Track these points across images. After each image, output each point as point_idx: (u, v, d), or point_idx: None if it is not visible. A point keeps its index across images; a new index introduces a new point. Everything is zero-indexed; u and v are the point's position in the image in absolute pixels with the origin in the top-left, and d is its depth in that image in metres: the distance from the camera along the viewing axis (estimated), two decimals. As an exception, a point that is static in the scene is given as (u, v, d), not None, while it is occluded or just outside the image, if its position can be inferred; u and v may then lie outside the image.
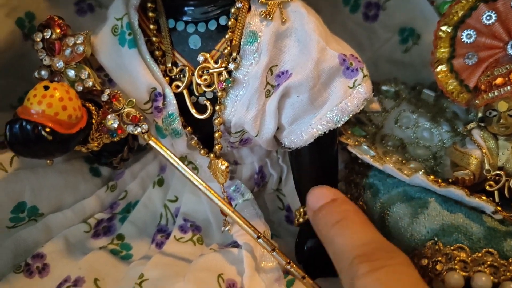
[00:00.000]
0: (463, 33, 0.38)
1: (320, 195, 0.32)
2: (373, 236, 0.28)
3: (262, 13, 0.34)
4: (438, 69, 0.39)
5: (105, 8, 0.49)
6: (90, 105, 0.33)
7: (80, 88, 0.33)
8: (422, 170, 0.35)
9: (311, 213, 0.32)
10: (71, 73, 0.33)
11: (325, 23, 0.55)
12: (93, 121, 0.33)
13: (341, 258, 0.28)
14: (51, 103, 0.29)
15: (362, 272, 0.26)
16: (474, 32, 0.37)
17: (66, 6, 0.48)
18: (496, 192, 0.35)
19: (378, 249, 0.27)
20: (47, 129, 0.29)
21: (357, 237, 0.28)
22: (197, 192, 0.42)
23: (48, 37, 0.33)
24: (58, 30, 0.33)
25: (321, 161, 0.38)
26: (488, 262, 0.30)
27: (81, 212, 0.39)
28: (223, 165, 0.36)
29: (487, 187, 0.36)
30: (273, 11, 0.34)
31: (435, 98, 0.47)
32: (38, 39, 0.34)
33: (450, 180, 0.37)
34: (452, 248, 0.31)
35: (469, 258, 0.30)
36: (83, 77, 0.33)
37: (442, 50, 0.39)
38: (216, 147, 0.36)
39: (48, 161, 0.35)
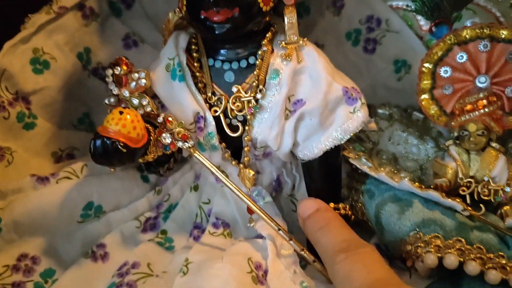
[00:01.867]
0: (441, 69, 0.46)
1: (307, 206, 0.40)
2: (349, 235, 0.37)
3: (282, 55, 0.42)
4: (422, 97, 0.47)
5: (147, 43, 0.58)
6: (148, 125, 0.42)
7: (141, 112, 0.41)
8: (408, 178, 0.44)
9: (301, 221, 0.40)
10: (135, 101, 0.42)
11: (331, 54, 0.63)
12: (151, 138, 0.41)
13: (326, 254, 0.36)
14: (125, 124, 0.38)
15: (339, 259, 0.34)
16: (450, 69, 0.46)
17: (115, 41, 0.56)
18: (467, 196, 0.43)
19: (352, 244, 0.35)
20: (122, 144, 0.38)
21: (336, 237, 0.36)
22: (225, 195, 0.50)
23: (117, 73, 0.42)
24: (125, 68, 0.42)
25: (328, 170, 0.46)
26: (457, 247, 0.38)
27: (134, 211, 0.47)
28: (250, 173, 0.45)
29: (461, 192, 0.43)
30: (292, 53, 0.42)
31: (423, 120, 0.54)
32: (109, 74, 0.42)
33: (432, 186, 0.45)
34: (430, 236, 0.39)
35: (442, 244, 0.38)
36: (144, 104, 0.42)
37: (425, 82, 0.47)
38: (245, 159, 0.45)
39: (112, 169, 0.44)
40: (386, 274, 0.33)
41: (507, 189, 0.42)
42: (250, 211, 0.44)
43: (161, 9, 0.58)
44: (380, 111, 0.54)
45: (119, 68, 0.42)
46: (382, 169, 0.47)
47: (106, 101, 0.43)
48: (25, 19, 0.48)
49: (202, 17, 0.40)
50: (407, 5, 0.48)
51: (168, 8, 0.57)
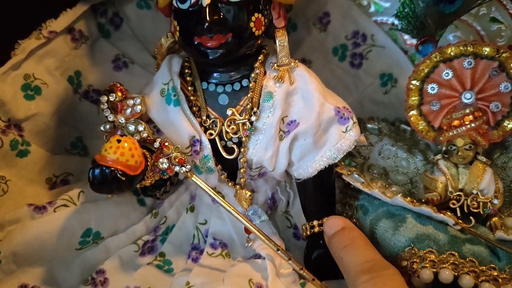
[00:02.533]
0: (428, 86, 0.47)
1: (333, 224, 0.41)
2: (373, 256, 0.37)
3: (275, 77, 0.43)
4: (410, 113, 0.49)
5: (137, 64, 0.59)
6: (145, 151, 0.42)
7: (137, 138, 0.42)
8: (401, 194, 0.44)
9: (327, 238, 0.41)
10: (131, 127, 0.42)
11: (318, 70, 0.65)
12: (149, 163, 0.41)
13: (349, 272, 0.37)
14: (123, 152, 0.38)
15: (363, 280, 0.35)
16: (437, 85, 0.47)
17: (105, 63, 0.57)
18: (458, 209, 0.44)
19: (376, 265, 0.36)
20: (120, 172, 0.38)
21: (360, 257, 0.37)
22: (222, 215, 0.51)
23: (112, 99, 0.42)
24: (119, 94, 0.42)
25: (322, 188, 0.47)
26: (451, 261, 0.39)
27: (132, 235, 0.47)
28: (246, 193, 0.46)
29: (451, 205, 0.44)
30: (284, 75, 0.43)
31: (411, 132, 0.55)
32: (104, 101, 0.43)
33: (423, 200, 0.46)
34: (424, 251, 0.40)
35: (437, 259, 0.39)
36: (140, 129, 0.42)
37: (413, 99, 0.49)
38: (241, 180, 0.45)
39: (109, 195, 0.44)
40: None
41: (495, 201, 0.44)
42: (247, 231, 0.45)
43: (149, 29, 0.59)
44: (369, 126, 0.55)
45: (114, 95, 0.43)
46: (374, 184, 0.48)
47: (102, 128, 0.43)
48: (15, 45, 0.48)
49: (196, 42, 0.41)
50: (393, 24, 0.50)
51: (156, 28, 0.58)
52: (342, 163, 0.50)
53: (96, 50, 0.56)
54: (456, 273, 0.38)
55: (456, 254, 0.40)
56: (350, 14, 0.60)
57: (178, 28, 0.42)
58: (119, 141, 0.39)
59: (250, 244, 0.46)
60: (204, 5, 0.39)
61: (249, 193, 0.46)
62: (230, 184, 0.46)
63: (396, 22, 0.48)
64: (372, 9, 0.62)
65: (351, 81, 0.62)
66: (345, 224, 0.41)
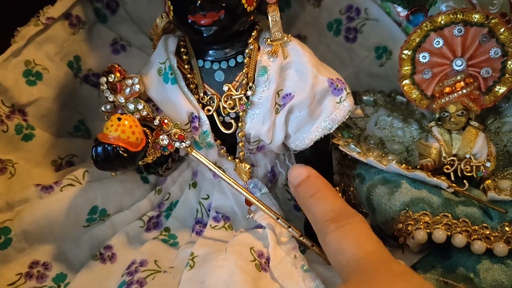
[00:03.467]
0: (420, 55, 0.48)
1: (298, 172, 0.41)
2: (339, 204, 0.37)
3: (269, 52, 0.44)
4: (403, 83, 0.50)
5: (135, 46, 0.60)
6: (145, 128, 0.43)
7: (137, 117, 0.43)
8: (395, 161, 0.46)
9: (292, 188, 0.41)
10: (131, 106, 0.43)
11: (313, 46, 0.65)
12: (149, 140, 0.43)
13: (317, 222, 0.37)
14: (124, 130, 0.40)
15: (330, 229, 0.35)
16: (428, 54, 0.48)
17: (103, 47, 0.58)
18: (451, 173, 0.46)
19: (342, 213, 0.36)
20: (122, 149, 0.39)
21: (327, 205, 0.37)
22: (223, 190, 0.52)
23: (111, 80, 0.43)
24: (118, 75, 0.43)
25: (320, 158, 0.48)
26: (444, 222, 0.40)
27: (137, 211, 0.49)
28: (246, 167, 0.47)
29: (445, 170, 0.46)
30: (277, 50, 0.44)
31: (406, 103, 0.56)
32: (103, 82, 0.44)
33: (418, 166, 0.48)
34: (418, 214, 0.41)
35: (431, 220, 0.41)
36: (139, 108, 0.43)
37: (405, 68, 0.49)
38: (240, 153, 0.47)
39: (113, 173, 0.46)
40: (375, 246, 0.34)
41: (488, 164, 0.45)
42: (248, 203, 0.47)
43: (145, 12, 0.60)
44: (365, 98, 0.56)
45: (112, 76, 0.43)
46: (370, 153, 0.49)
47: (103, 108, 0.44)
48: (14, 32, 0.49)
49: (190, 21, 0.42)
50: (384, -5, 0.50)
51: (152, 10, 0.59)
52: (339, 134, 0.51)
53: (94, 35, 0.58)
54: (449, 233, 0.40)
55: (449, 215, 0.41)
56: (343, -12, 0.61)
57: (171, 7, 0.43)
58: (119, 119, 0.40)
59: (251, 216, 0.47)
60: (196, -17, 0.40)
61: (248, 166, 0.47)
62: (229, 158, 0.48)
63: (386, -6, 0.49)
64: (365, -18, 0.63)
65: (347, 55, 0.63)
66: (309, 172, 0.41)
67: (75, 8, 0.54)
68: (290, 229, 0.44)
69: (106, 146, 0.39)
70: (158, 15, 0.48)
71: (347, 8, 0.61)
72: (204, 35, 0.42)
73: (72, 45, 0.55)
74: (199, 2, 0.40)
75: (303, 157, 0.48)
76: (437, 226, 0.40)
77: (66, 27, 0.54)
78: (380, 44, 0.61)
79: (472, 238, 0.39)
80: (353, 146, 0.49)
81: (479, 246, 0.39)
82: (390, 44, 0.60)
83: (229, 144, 0.47)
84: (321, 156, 0.49)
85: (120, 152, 0.39)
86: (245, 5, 0.42)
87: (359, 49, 0.62)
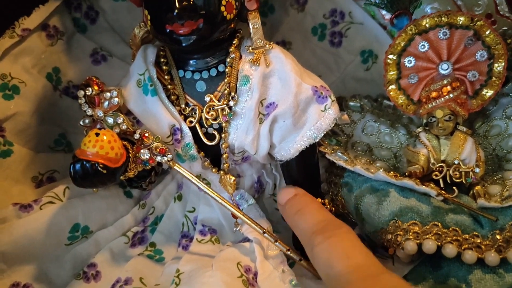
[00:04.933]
0: (405, 59, 0.47)
1: (285, 193, 0.42)
2: (325, 216, 0.38)
3: (250, 60, 0.43)
4: (390, 88, 0.49)
5: (116, 56, 0.59)
6: (125, 142, 0.42)
7: (117, 131, 0.42)
8: (382, 169, 0.45)
9: (281, 208, 0.42)
10: (110, 120, 0.42)
11: (298, 51, 0.65)
12: (130, 155, 0.42)
13: (304, 236, 0.37)
14: (102, 145, 0.38)
15: (317, 241, 0.35)
16: (413, 58, 0.47)
17: (83, 58, 0.57)
18: (441, 180, 0.45)
19: (328, 224, 0.36)
20: (101, 165, 0.38)
21: (313, 218, 0.37)
22: (210, 202, 0.51)
23: (89, 93, 0.42)
24: (96, 88, 0.42)
25: (306, 168, 0.47)
26: (434, 231, 0.39)
27: (121, 227, 0.48)
28: (231, 179, 0.46)
29: (434, 177, 0.45)
30: (259, 58, 0.43)
31: (393, 107, 0.56)
32: (81, 95, 0.42)
33: (406, 173, 0.47)
34: (408, 224, 0.40)
35: (420, 230, 0.40)
36: (119, 122, 0.42)
37: (391, 73, 0.49)
38: (225, 165, 0.46)
39: (94, 189, 0.44)
40: (365, 259, 0.34)
41: (477, 170, 0.44)
42: (235, 215, 0.45)
43: (126, 20, 0.58)
44: (351, 103, 0.55)
45: (90, 89, 0.42)
46: (358, 161, 0.49)
47: (81, 123, 0.43)
48: (-12, 45, 0.48)
49: (168, 30, 0.41)
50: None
51: (132, 19, 0.58)
52: (326, 142, 0.50)
53: (73, 45, 0.56)
54: (439, 243, 0.39)
55: (439, 224, 0.40)
56: (327, -8, 0.60)
57: (149, 17, 0.42)
58: (97, 134, 0.39)
59: (238, 229, 0.46)
60: (173, -8, 0.39)
61: (233, 178, 0.46)
62: (214, 170, 0.47)
63: (370, -3, 0.48)
64: (349, -14, 0.62)
65: (332, 60, 0.62)
66: (296, 191, 0.42)
67: (53, 18, 0.53)
68: (277, 243, 0.43)
69: (85, 162, 0.38)
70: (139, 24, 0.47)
71: (331, 12, 0.61)
72: (183, 44, 0.41)
73: (50, 57, 0.53)
74: (176, 11, 0.39)
75: (289, 167, 0.47)
76: (427, 236, 0.39)
77: (44, 38, 0.52)
78: (366, 48, 0.61)
79: (463, 248, 0.39)
80: (340, 153, 0.49)
81: (470, 256, 0.38)
82: (376, 47, 0.60)
83: (213, 155, 0.46)
84: (308, 165, 0.48)
85: (99, 168, 0.38)
86: (225, 13, 0.41)
87: (345, 53, 0.61)
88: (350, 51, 0.61)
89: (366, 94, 0.59)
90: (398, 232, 0.41)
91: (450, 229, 0.40)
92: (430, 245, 0.39)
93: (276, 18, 0.63)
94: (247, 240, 0.46)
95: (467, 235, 0.40)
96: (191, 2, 0.39)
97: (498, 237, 0.39)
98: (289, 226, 0.49)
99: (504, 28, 0.57)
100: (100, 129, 0.40)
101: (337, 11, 0.61)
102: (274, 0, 0.63)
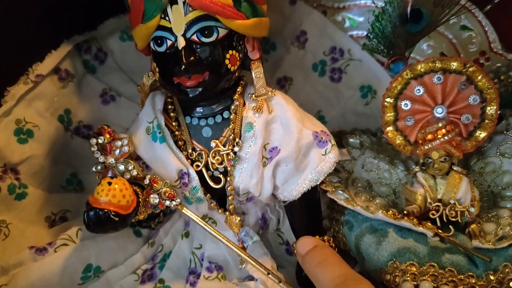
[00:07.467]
0: (401, 102, 0.49)
1: (305, 243, 0.43)
2: (345, 270, 0.39)
3: (254, 107, 0.45)
4: (387, 129, 0.50)
5: (124, 96, 0.61)
6: (135, 187, 0.44)
7: (127, 177, 0.44)
8: (381, 210, 0.46)
9: (300, 258, 0.43)
10: (121, 167, 0.44)
11: (300, 87, 0.67)
12: (140, 200, 0.44)
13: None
14: (114, 194, 0.40)
15: None
16: (410, 101, 0.48)
17: (93, 98, 0.59)
18: (437, 219, 0.46)
19: (349, 279, 0.38)
20: (113, 213, 0.40)
21: (334, 272, 0.38)
22: (216, 240, 0.53)
23: (101, 142, 0.44)
24: (108, 136, 0.44)
25: (308, 207, 0.49)
26: (431, 272, 0.41)
27: (131, 265, 0.49)
28: (236, 219, 0.48)
29: (431, 215, 0.47)
30: (262, 105, 0.45)
31: None
32: (94, 143, 0.44)
33: (405, 212, 0.48)
34: (405, 265, 0.42)
35: (417, 271, 0.42)
36: (129, 168, 0.44)
37: (389, 115, 0.50)
38: (230, 207, 0.48)
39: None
40: None
41: (472, 209, 0.46)
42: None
43: (133, 60, 0.61)
44: (351, 140, 0.57)
45: (102, 138, 0.44)
46: (358, 198, 0.50)
47: (94, 169, 0.45)
48: (4, 92, 0.50)
49: (175, 82, 0.43)
50: (365, 44, 0.52)
51: (140, 59, 0.60)
52: (327, 180, 0.52)
53: (83, 87, 0.59)
54: (435, 284, 0.40)
55: (435, 265, 0.42)
56: (326, 31, 0.63)
57: (157, 69, 0.44)
58: (110, 183, 0.41)
59: (243, 266, 0.48)
60: (180, 47, 0.42)
61: (238, 218, 0.48)
62: (220, 211, 0.48)
63: (367, 42, 0.50)
64: (347, 24, 0.65)
65: (333, 95, 0.64)
66: (317, 242, 0.43)
67: (64, 62, 0.56)
68: (281, 284, 0.44)
69: (98, 210, 0.40)
70: (146, 63, 0.49)
71: (331, 49, 0.63)
72: (190, 95, 0.43)
73: (62, 99, 0.56)
74: (183, 66, 0.41)
75: (292, 206, 0.49)
76: (424, 277, 0.41)
77: (56, 82, 0.55)
78: (365, 84, 0.63)
79: (458, 289, 0.40)
80: (341, 192, 0.50)
81: (465, 297, 0.40)
82: (374, 83, 0.62)
83: (218, 197, 0.48)
84: (310, 204, 0.50)
85: (112, 216, 0.40)
86: (229, 65, 0.44)
87: (344, 88, 0.64)
88: (349, 86, 0.63)
89: (366, 127, 0.61)
90: (397, 273, 0.42)
91: (446, 269, 0.42)
92: (426, 287, 0.40)
93: (278, 55, 0.66)
94: (252, 277, 0.48)
95: (462, 276, 0.41)
96: (197, 57, 0.42)
97: (491, 277, 0.41)
98: (293, 258, 0.52)
99: (498, 65, 0.60)
100: (111, 177, 0.42)
101: (337, 48, 0.63)
102: (276, 39, 0.65)
